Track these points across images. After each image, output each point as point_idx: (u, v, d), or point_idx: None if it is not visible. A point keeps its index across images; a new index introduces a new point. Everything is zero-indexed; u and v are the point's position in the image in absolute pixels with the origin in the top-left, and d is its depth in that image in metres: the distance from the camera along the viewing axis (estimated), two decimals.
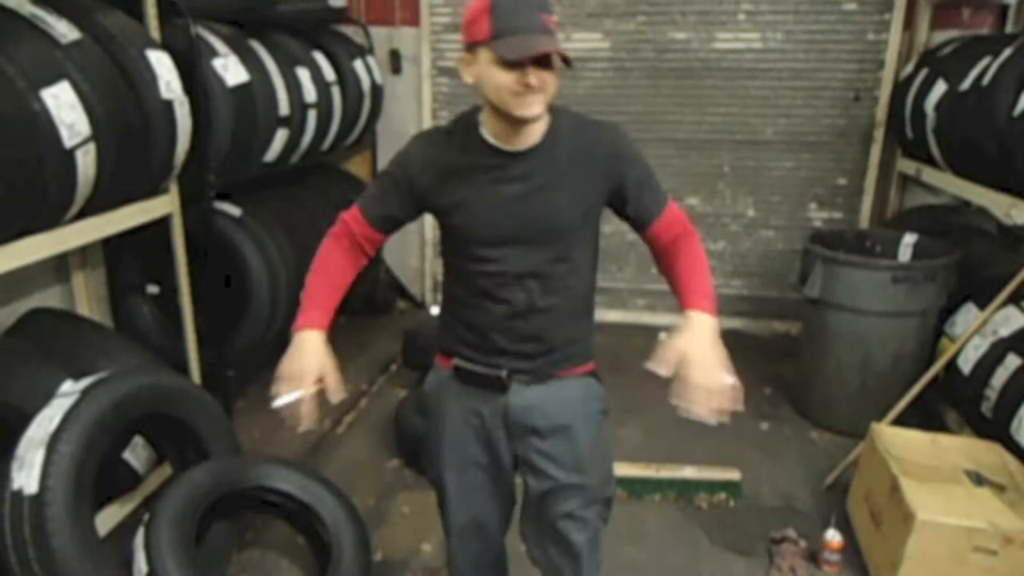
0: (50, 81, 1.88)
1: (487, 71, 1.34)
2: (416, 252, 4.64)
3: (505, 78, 1.32)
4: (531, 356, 1.54)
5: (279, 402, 1.41)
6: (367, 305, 4.43)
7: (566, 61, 1.33)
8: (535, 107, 1.35)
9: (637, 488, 2.70)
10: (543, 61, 1.31)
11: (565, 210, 1.47)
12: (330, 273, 1.56)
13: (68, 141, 1.91)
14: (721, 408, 1.34)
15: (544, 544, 1.71)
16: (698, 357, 1.35)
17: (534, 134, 1.44)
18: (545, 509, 1.65)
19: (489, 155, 1.45)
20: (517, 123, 1.39)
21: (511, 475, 1.70)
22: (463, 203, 1.46)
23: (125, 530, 2.21)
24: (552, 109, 1.46)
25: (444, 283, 1.65)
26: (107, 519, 2.26)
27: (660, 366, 1.34)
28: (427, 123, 4.38)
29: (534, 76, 1.31)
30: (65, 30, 2.03)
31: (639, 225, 1.55)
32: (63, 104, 1.90)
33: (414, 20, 4.22)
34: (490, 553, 1.80)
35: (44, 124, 1.85)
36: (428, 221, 4.56)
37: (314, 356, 1.45)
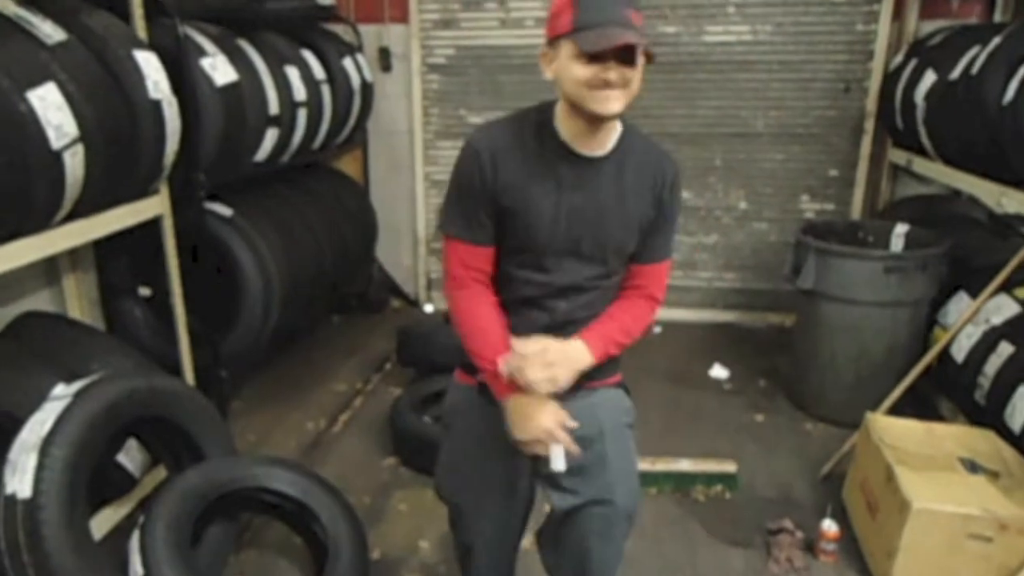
0: (36, 82, 1.86)
1: (567, 65, 1.30)
2: (409, 250, 4.63)
3: (584, 72, 1.28)
4: None
5: (559, 465, 1.41)
6: (361, 304, 4.42)
7: (649, 58, 1.29)
8: (613, 104, 1.30)
9: None
10: (625, 56, 1.27)
11: (623, 230, 1.45)
12: (488, 326, 1.45)
13: (55, 143, 1.89)
14: (517, 373, 1.36)
15: (563, 563, 1.66)
16: (550, 351, 1.37)
17: (608, 140, 1.41)
18: (569, 528, 1.58)
19: (562, 156, 1.40)
20: (594, 122, 1.35)
21: (532, 490, 1.68)
22: (527, 207, 1.40)
23: (120, 533, 2.20)
24: (623, 123, 1.43)
25: None
26: (102, 522, 2.24)
27: (519, 346, 1.37)
28: (418, 121, 4.36)
29: (615, 71, 1.27)
30: (51, 31, 2.01)
31: (632, 258, 1.53)
32: (50, 105, 1.88)
33: (403, 17, 4.20)
34: (503, 565, 1.80)
35: (31, 126, 1.83)
36: (420, 217, 4.55)
37: (545, 410, 1.40)
